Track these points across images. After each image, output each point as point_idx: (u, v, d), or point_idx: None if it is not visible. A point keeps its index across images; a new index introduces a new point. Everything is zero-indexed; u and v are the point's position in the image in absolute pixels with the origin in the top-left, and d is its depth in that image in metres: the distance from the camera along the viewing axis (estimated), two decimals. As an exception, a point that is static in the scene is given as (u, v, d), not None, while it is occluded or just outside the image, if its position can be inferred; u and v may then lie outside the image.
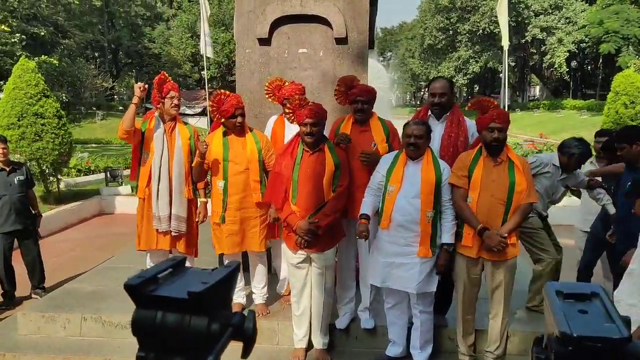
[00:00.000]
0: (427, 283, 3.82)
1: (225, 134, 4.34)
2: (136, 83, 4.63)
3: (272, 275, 5.05)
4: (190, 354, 0.76)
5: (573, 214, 6.38)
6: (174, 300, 0.74)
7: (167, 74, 4.62)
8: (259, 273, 4.61)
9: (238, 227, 4.34)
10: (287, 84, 4.66)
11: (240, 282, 4.64)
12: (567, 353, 0.72)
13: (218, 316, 0.77)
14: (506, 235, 3.69)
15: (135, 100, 4.43)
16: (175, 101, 4.48)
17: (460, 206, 3.79)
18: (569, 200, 7.75)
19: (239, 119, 4.25)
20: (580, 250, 5.56)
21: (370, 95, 4.23)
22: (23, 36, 22.48)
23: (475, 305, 4.08)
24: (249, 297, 4.76)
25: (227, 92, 4.31)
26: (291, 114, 4.02)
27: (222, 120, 4.31)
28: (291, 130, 4.60)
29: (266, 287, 4.69)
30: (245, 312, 0.82)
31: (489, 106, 3.69)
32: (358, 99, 4.15)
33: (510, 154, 3.79)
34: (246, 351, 0.81)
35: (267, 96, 4.76)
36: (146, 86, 4.51)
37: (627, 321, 0.74)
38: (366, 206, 3.90)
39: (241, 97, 4.37)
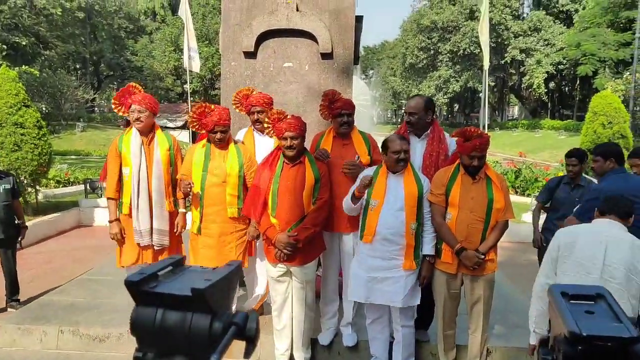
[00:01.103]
0: (411, 296, 3.82)
1: (208, 145, 4.27)
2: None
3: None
4: (192, 354, 0.74)
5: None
6: (175, 298, 0.72)
7: (135, 85, 4.49)
8: None
9: (213, 240, 4.25)
10: (254, 92, 4.62)
11: None
12: (575, 353, 0.72)
13: (221, 315, 0.75)
14: (484, 254, 3.71)
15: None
16: (136, 115, 4.31)
17: (438, 223, 3.81)
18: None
19: (219, 135, 4.15)
20: None
21: (353, 108, 4.26)
22: (4, 46, 22.24)
23: (455, 320, 4.08)
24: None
25: (212, 107, 4.18)
26: (270, 128, 3.96)
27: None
28: (261, 142, 4.58)
29: (235, 304, 4.59)
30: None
31: (471, 134, 3.70)
32: (343, 112, 4.16)
33: (488, 171, 3.81)
34: (249, 351, 0.79)
35: (234, 106, 4.70)
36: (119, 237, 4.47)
37: (634, 321, 0.74)
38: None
39: (228, 112, 4.23)
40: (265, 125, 4.14)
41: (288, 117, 3.90)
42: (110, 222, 4.43)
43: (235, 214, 4.23)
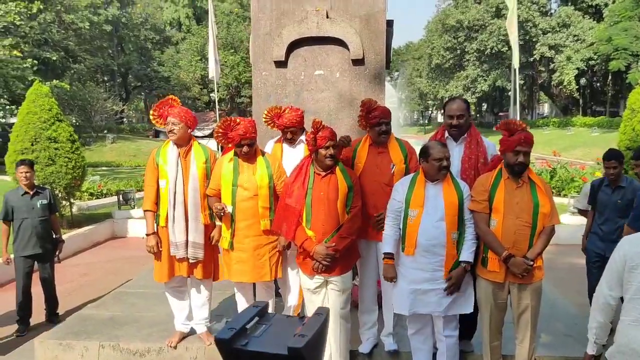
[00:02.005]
0: (459, 305, 3.74)
1: (235, 158, 4.21)
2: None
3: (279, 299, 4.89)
4: None
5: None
6: (271, 357, 0.67)
7: (174, 98, 4.48)
8: (265, 300, 4.44)
9: (247, 255, 4.19)
10: (287, 111, 4.52)
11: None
12: None
13: None
14: (533, 261, 3.60)
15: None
16: (170, 127, 4.29)
17: (483, 231, 3.69)
18: (579, 218, 7.68)
19: (245, 149, 4.09)
20: None
21: (390, 115, 4.18)
22: (35, 61, 22.69)
23: (502, 330, 3.97)
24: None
25: (237, 120, 4.11)
26: (312, 140, 3.85)
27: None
28: (290, 154, 4.52)
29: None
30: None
31: (516, 128, 3.61)
32: (382, 120, 4.09)
33: (531, 175, 3.70)
34: None
35: (266, 124, 4.60)
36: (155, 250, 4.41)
37: None
38: (388, 242, 3.79)
39: (254, 124, 4.15)
40: (288, 137, 4.07)
41: (325, 126, 3.83)
42: (147, 235, 4.42)
43: (268, 227, 4.16)
